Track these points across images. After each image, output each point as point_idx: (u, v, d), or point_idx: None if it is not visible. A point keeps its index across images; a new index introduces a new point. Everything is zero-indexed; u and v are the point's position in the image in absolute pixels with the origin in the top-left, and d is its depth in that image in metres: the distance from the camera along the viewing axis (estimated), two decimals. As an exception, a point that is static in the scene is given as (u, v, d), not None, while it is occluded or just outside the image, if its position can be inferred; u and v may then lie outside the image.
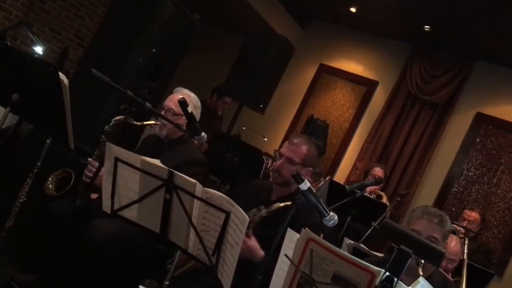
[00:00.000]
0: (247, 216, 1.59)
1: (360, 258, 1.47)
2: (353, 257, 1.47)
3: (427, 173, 5.26)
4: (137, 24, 3.56)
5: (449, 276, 3.12)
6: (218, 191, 1.66)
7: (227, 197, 1.66)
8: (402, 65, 5.68)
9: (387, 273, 1.39)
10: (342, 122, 5.95)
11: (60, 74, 1.92)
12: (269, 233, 1.79)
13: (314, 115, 5.69)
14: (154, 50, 3.48)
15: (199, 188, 1.67)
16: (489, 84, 5.16)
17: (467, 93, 5.27)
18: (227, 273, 1.66)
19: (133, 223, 1.82)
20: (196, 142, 2.71)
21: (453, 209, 4.99)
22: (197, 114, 2.71)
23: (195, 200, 1.68)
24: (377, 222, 3.64)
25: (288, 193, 2.29)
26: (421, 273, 1.97)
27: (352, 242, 2.91)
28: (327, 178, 4.10)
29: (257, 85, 4.12)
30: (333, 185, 4.00)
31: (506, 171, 4.89)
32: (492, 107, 5.13)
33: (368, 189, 4.61)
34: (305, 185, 1.76)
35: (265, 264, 1.73)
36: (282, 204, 2.01)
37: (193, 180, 1.67)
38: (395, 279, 1.38)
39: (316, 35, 6.34)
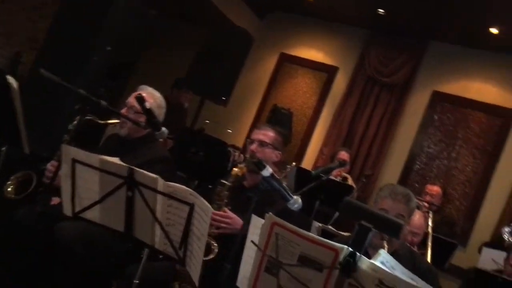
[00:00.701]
0: (210, 207, 1.60)
1: (329, 239, 1.51)
2: (317, 237, 1.50)
3: (390, 152, 5.40)
4: (89, 23, 3.49)
5: (415, 249, 3.24)
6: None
7: (190, 190, 1.67)
8: (360, 49, 5.79)
9: (350, 249, 1.43)
10: (306, 109, 6.02)
11: (9, 78, 1.87)
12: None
13: (278, 105, 5.75)
14: (109, 49, 3.42)
15: (161, 183, 1.67)
16: (443, 63, 5.34)
17: (423, 73, 5.43)
18: (195, 265, 1.67)
19: (97, 224, 1.80)
20: (160, 139, 2.69)
21: (416, 185, 5.16)
22: (161, 113, 2.69)
23: (158, 195, 1.68)
24: (344, 204, 3.72)
25: (261, 179, 2.32)
26: (386, 246, 2.04)
27: (320, 225, 2.97)
28: (293, 165, 4.15)
29: (218, 78, 4.13)
30: (299, 171, 4.06)
31: (464, 146, 5.09)
32: (447, 85, 5.31)
33: (334, 173, 4.72)
34: (267, 171, 1.79)
35: (234, 252, 1.75)
36: (237, 169, 2.14)
37: (154, 175, 1.67)
38: (358, 253, 1.43)
39: (275, 25, 6.37)
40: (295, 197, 1.84)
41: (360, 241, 1.45)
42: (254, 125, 6.14)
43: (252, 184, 2.40)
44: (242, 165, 2.16)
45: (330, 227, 3.00)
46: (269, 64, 6.28)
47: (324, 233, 2.91)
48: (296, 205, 1.83)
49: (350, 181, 4.62)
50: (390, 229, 1.50)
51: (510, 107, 4.94)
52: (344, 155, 4.74)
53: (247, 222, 1.71)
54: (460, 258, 4.36)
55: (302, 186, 3.57)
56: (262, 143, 2.41)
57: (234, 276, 1.71)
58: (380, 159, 5.40)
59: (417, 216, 3.33)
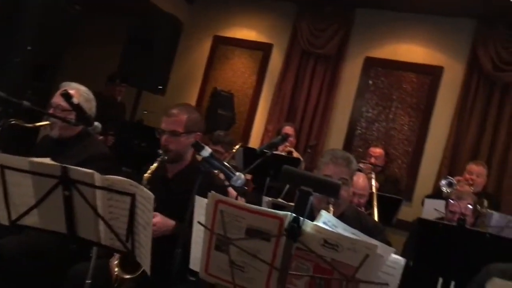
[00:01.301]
0: (151, 194, 1.59)
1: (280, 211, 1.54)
2: (261, 208, 1.54)
3: (332, 121, 5.55)
4: (6, 22, 3.28)
5: (363, 210, 3.39)
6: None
7: (129, 180, 1.64)
8: (291, 24, 5.84)
9: (294, 215, 1.47)
10: (246, 89, 6.04)
11: None
12: (179, 204, 1.81)
13: (218, 88, 5.72)
14: (29, 48, 3.24)
15: (97, 177, 1.63)
16: (372, 29, 5.50)
17: (354, 40, 5.58)
18: (144, 254, 1.66)
19: (37, 230, 1.74)
20: (97, 134, 2.61)
21: (360, 150, 5.35)
22: (91, 106, 2.59)
23: (97, 190, 1.64)
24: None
25: (185, 166, 2.29)
26: (332, 209, 2.12)
27: (270, 199, 3.03)
28: (239, 145, 4.18)
29: (151, 67, 4.04)
30: (246, 151, 4.10)
31: (399, 106, 5.32)
32: (378, 49, 5.49)
33: (280, 148, 4.80)
34: (206, 151, 1.78)
35: (182, 236, 1.75)
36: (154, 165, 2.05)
37: (90, 171, 1.62)
38: (301, 218, 1.47)
39: (205, 8, 6.29)
40: (237, 173, 1.86)
41: (302, 205, 1.50)
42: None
43: (176, 173, 2.31)
44: (159, 158, 2.10)
45: (280, 200, 3.06)
46: (204, 48, 6.23)
47: (275, 206, 2.96)
48: (239, 181, 1.85)
49: (295, 154, 4.72)
50: (329, 190, 1.56)
51: (437, 65, 5.20)
52: (288, 129, 4.82)
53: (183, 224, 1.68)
54: (406, 213, 4.60)
55: (251, 165, 3.62)
56: (173, 133, 2.22)
57: (186, 259, 1.72)
58: (323, 128, 5.54)
59: (361, 179, 3.47)
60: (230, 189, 2.71)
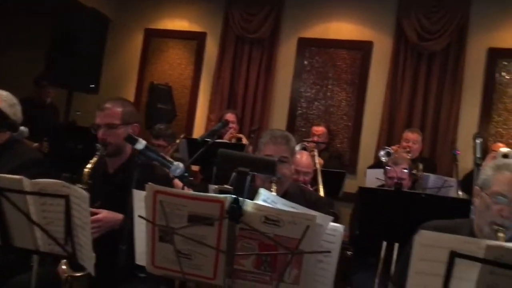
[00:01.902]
0: (86, 193, 1.54)
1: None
2: (200, 193, 1.53)
3: (273, 104, 5.62)
4: None
5: (309, 187, 3.47)
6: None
7: (61, 182, 1.58)
8: (223, 11, 5.81)
9: (233, 196, 1.49)
10: (184, 80, 5.96)
11: None
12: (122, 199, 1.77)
13: (154, 82, 5.61)
14: None
15: (26, 183, 1.56)
16: (303, 10, 5.58)
17: (286, 22, 5.64)
18: (87, 255, 1.61)
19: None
20: (33, 143, 2.48)
21: (303, 129, 5.46)
22: (16, 111, 2.45)
23: (27, 196, 1.57)
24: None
25: (125, 160, 2.24)
26: (275, 187, 2.15)
27: (216, 186, 3.02)
28: (181, 137, 4.13)
29: (80, 66, 3.88)
30: (189, 142, 4.06)
31: (335, 83, 5.46)
32: (310, 30, 5.59)
33: (227, 136, 4.81)
34: (141, 144, 1.75)
35: (126, 231, 1.71)
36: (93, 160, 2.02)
37: (17, 176, 1.55)
38: (241, 198, 1.49)
39: (133, 1, 6.11)
40: (175, 163, 1.84)
41: (241, 186, 1.52)
42: (136, 106, 5.95)
43: (117, 168, 2.26)
44: (98, 153, 2.04)
45: (226, 186, 3.06)
46: (136, 42, 6.06)
47: (222, 193, 2.96)
48: (178, 170, 1.83)
49: (244, 140, 4.75)
50: (265, 168, 1.58)
51: (366, 40, 5.37)
52: (229, 116, 4.82)
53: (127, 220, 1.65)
54: (352, 185, 4.75)
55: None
56: (110, 126, 2.16)
57: (131, 255, 1.69)
58: (265, 112, 5.60)
59: (304, 157, 3.54)
60: (177, 181, 2.70)
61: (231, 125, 4.84)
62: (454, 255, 1.12)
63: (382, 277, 2.83)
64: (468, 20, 4.97)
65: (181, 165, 1.85)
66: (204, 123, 5.84)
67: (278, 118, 5.60)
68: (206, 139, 3.30)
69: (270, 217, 1.49)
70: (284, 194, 2.27)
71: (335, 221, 3.66)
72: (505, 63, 4.91)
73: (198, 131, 5.81)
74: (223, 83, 5.74)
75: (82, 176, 1.99)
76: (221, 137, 4.87)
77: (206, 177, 4.44)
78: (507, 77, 4.90)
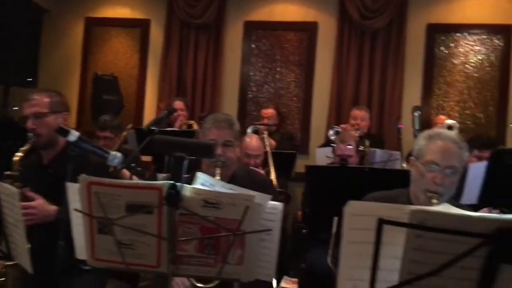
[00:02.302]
0: (15, 189, 1.47)
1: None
2: (136, 181, 1.51)
3: (223, 89, 5.58)
4: None
5: (260, 169, 3.48)
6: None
7: (-12, 180, 1.50)
8: (166, -4, 5.67)
9: (170, 182, 1.46)
10: (130, 69, 5.81)
11: None
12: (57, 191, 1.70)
13: (98, 72, 5.43)
14: None
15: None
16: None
17: (231, 6, 5.58)
18: (22, 253, 1.55)
19: None
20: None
21: (254, 113, 5.47)
22: None
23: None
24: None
25: (60, 151, 2.17)
26: (219, 171, 2.14)
27: (164, 174, 2.98)
28: (129, 127, 4.03)
29: (15, 59, 3.68)
30: (137, 132, 3.97)
31: (284, 65, 5.49)
32: (255, 12, 5.56)
33: (177, 124, 4.75)
34: (73, 135, 1.69)
35: (63, 226, 1.66)
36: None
37: None
38: (178, 184, 1.47)
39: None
40: (112, 152, 1.79)
41: (178, 171, 1.50)
42: (82, 99, 5.76)
43: (51, 159, 2.19)
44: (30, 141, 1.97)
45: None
46: (76, 32, 5.82)
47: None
48: (116, 160, 1.78)
49: (195, 126, 4.69)
50: (202, 152, 1.57)
51: (311, 21, 5.41)
52: (177, 104, 4.75)
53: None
54: (304, 165, 4.84)
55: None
56: (37, 115, 2.11)
57: (70, 250, 1.64)
58: (216, 98, 5.56)
59: (253, 140, 3.55)
60: (125, 171, 2.63)
61: (180, 112, 4.79)
62: (381, 222, 1.15)
63: (334, 252, 2.91)
64: (407, -3, 5.11)
65: (118, 155, 1.80)
66: (154, 112, 5.73)
67: (229, 103, 5.58)
68: (152, 128, 3.23)
69: (209, 200, 1.49)
70: (231, 178, 2.27)
71: (287, 201, 3.72)
72: (443, 38, 5.09)
73: (148, 120, 5.65)
74: (170, 70, 5.63)
75: (13, 164, 1.91)
76: (171, 125, 4.82)
77: (159, 167, 4.36)
78: (445, 51, 5.09)
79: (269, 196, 1.51)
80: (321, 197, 2.75)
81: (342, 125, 4.68)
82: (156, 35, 5.75)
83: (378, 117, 5.15)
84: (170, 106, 4.91)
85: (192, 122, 4.70)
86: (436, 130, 1.91)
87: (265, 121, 4.91)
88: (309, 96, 5.43)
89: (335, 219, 2.92)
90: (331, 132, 4.47)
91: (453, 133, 1.87)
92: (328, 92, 5.33)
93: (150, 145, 3.35)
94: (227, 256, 1.54)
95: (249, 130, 4.63)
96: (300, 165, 4.85)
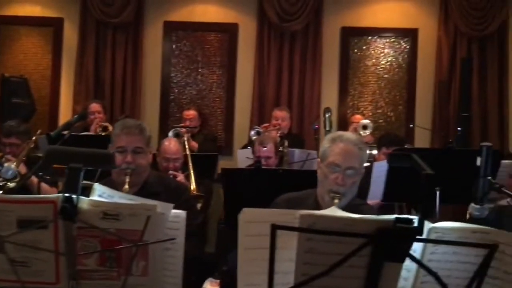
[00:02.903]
0: None
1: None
2: (27, 196, 1.42)
3: (144, 91, 5.45)
4: None
5: (180, 173, 3.44)
6: None
7: None
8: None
9: (65, 195, 1.40)
10: (43, 70, 5.49)
11: None
12: None
13: (6, 74, 5.08)
14: None
15: None
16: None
17: (150, 5, 5.45)
18: None
19: None
20: None
21: (177, 114, 5.39)
22: None
23: None
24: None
25: None
26: (128, 180, 2.08)
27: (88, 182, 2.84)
28: (38, 133, 3.80)
29: None
30: (49, 138, 3.75)
31: (205, 66, 5.47)
32: (175, 12, 5.48)
33: (93, 127, 4.56)
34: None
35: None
36: None
37: None
38: (74, 196, 1.41)
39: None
40: (5, 164, 1.67)
41: (74, 183, 1.43)
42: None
43: None
44: None
45: (87, 182, 2.90)
46: (-21, 31, 5.40)
47: (84, 189, 2.81)
48: (10, 172, 1.67)
49: (111, 129, 4.53)
50: (101, 162, 1.52)
51: (232, 22, 5.44)
52: (94, 107, 4.60)
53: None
54: (229, 166, 4.86)
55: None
56: None
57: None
58: (136, 99, 5.42)
59: (172, 143, 3.50)
60: (33, 179, 2.48)
61: (97, 115, 4.62)
62: (275, 228, 1.18)
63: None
64: (322, 1, 5.30)
65: (12, 166, 1.69)
66: (69, 116, 5.45)
67: (150, 105, 5.47)
68: (62, 133, 3.07)
69: (109, 212, 1.44)
70: (143, 185, 2.22)
71: (206, 205, 3.69)
72: (356, 40, 5.36)
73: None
74: (87, 71, 5.40)
75: None
76: (88, 129, 4.63)
77: (86, 172, 4.15)
78: (358, 53, 5.36)
79: (171, 205, 1.49)
80: (238, 199, 2.77)
81: (264, 125, 4.76)
82: (70, 35, 5.49)
83: (298, 117, 5.30)
84: (87, 108, 4.73)
85: (106, 124, 4.53)
86: (338, 132, 2.00)
87: (187, 123, 4.87)
88: (231, 97, 5.46)
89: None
90: (252, 132, 4.53)
91: (354, 136, 1.97)
92: (250, 93, 5.39)
93: (46, 156, 3.21)
94: (130, 268, 1.51)
95: (170, 133, 4.56)
96: (225, 166, 4.88)
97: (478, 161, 1.45)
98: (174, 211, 1.51)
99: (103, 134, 4.32)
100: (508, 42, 5.21)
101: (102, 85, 5.41)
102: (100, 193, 1.50)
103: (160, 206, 1.47)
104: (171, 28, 5.46)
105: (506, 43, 5.21)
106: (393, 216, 1.13)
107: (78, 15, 5.42)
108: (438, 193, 2.51)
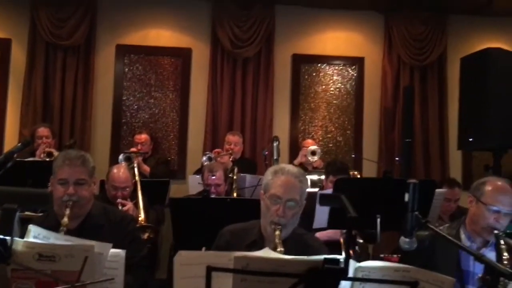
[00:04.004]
0: None
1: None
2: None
3: (94, 115, 5.35)
4: None
5: (128, 201, 3.38)
6: None
7: None
8: (29, 14, 5.29)
9: (-1, 237, 1.37)
10: (-14, 92, 5.29)
11: None
12: None
13: None
14: None
15: None
16: (119, 15, 5.38)
17: (102, 28, 5.39)
18: None
19: None
20: None
21: (129, 138, 5.31)
22: None
23: None
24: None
25: None
26: (68, 213, 2.04)
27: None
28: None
29: None
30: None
31: (159, 90, 5.45)
32: (128, 36, 5.44)
33: (39, 152, 4.44)
34: None
35: None
36: None
37: None
38: (8, 238, 1.38)
39: None
40: None
41: (8, 225, 1.41)
42: None
43: None
44: None
45: (28, 213, 2.81)
46: None
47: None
48: None
49: (56, 155, 4.41)
50: (36, 201, 1.50)
51: (185, 47, 5.48)
52: (42, 131, 4.51)
53: None
54: (182, 190, 4.84)
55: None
56: None
57: None
58: (86, 123, 5.30)
59: (121, 171, 3.45)
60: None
61: (44, 139, 4.51)
62: (210, 269, 1.21)
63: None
64: (274, 29, 5.45)
65: None
66: (16, 140, 5.26)
67: (101, 129, 5.37)
68: (6, 160, 2.97)
69: (44, 254, 1.43)
70: (86, 217, 2.19)
71: (155, 235, 3.63)
72: (307, 67, 5.53)
73: (9, 146, 5.21)
74: (35, 94, 5.25)
75: None
76: (34, 154, 4.49)
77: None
78: (309, 80, 5.53)
79: (110, 245, 1.49)
80: (187, 227, 2.78)
81: (215, 150, 4.79)
82: (18, 56, 5.33)
83: (251, 140, 5.37)
84: (34, 133, 4.61)
85: (52, 150, 4.42)
86: (281, 165, 2.06)
87: (139, 147, 4.82)
88: (185, 121, 5.46)
89: (203, 248, 2.98)
90: (204, 158, 4.55)
91: (295, 169, 2.04)
92: (203, 117, 5.42)
93: (24, 178, 3.09)
94: (67, 309, 1.48)
95: (120, 157, 4.51)
96: (177, 190, 4.86)
97: (406, 197, 1.54)
98: (113, 250, 1.51)
99: (47, 160, 4.20)
100: (447, 71, 5.54)
101: (51, 108, 5.27)
102: (36, 234, 1.47)
103: (98, 246, 1.47)
104: (123, 51, 5.43)
105: (445, 72, 5.54)
106: (322, 257, 1.19)
107: (27, 36, 5.29)
108: (378, 220, 2.63)
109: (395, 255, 3.36)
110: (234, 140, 4.88)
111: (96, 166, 2.25)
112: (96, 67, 5.37)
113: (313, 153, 4.68)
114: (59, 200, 2.08)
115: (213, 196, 3.46)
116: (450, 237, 1.54)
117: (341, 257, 1.18)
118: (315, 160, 4.61)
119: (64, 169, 2.12)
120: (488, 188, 2.16)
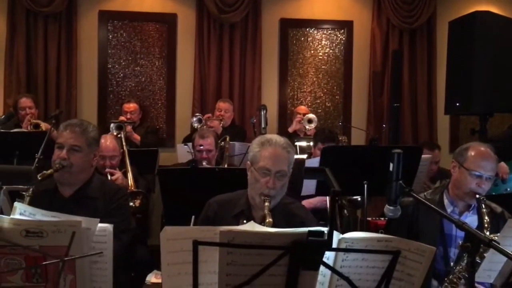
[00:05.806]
0: None
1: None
2: None
3: (79, 83, 5.26)
4: None
5: (117, 170, 3.39)
6: None
7: None
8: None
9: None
10: (-32, 62, 5.15)
11: None
12: None
13: None
14: None
15: None
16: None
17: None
18: None
19: None
20: None
21: (116, 107, 5.26)
22: None
23: None
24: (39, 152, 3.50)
25: None
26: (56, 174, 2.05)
27: (5, 187, 2.75)
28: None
29: None
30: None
31: (144, 57, 5.35)
32: (110, 1, 5.30)
33: (25, 124, 4.38)
34: None
35: None
36: None
37: None
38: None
39: None
40: None
41: (-7, 202, 1.40)
42: None
43: None
44: None
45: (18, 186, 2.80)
46: None
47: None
48: None
49: (43, 126, 4.36)
50: (21, 179, 1.49)
51: (170, 12, 5.34)
52: (24, 102, 4.44)
53: None
54: (171, 158, 4.86)
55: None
56: None
57: None
58: (72, 92, 5.22)
59: (108, 141, 3.43)
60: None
61: (28, 110, 4.44)
62: (196, 244, 1.23)
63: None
64: (261, -7, 5.32)
65: None
66: (1, 110, 5.18)
67: (87, 98, 5.29)
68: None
69: (31, 230, 1.43)
70: (82, 186, 2.19)
71: (146, 201, 3.64)
72: (295, 32, 5.44)
73: (-5, 119, 5.14)
74: (18, 63, 5.13)
75: None
76: (19, 125, 4.44)
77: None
78: (297, 45, 5.45)
79: (97, 220, 1.50)
80: (175, 197, 2.79)
81: (207, 115, 4.76)
82: (-1, 25, 5.17)
83: (240, 108, 5.34)
84: (16, 103, 4.54)
85: (38, 121, 4.36)
86: (267, 136, 2.05)
87: (128, 116, 4.78)
88: (172, 89, 5.40)
89: (193, 217, 3.01)
90: (193, 119, 4.55)
91: (282, 139, 2.03)
92: (191, 84, 5.35)
93: (12, 149, 3.05)
94: (58, 282, 1.51)
95: (112, 125, 4.45)
96: (167, 158, 4.86)
97: (391, 166, 1.56)
98: (101, 224, 1.52)
99: (34, 131, 4.15)
100: (436, 34, 5.49)
101: (35, 77, 5.16)
102: (21, 211, 1.48)
103: (85, 221, 1.47)
104: (106, 17, 5.28)
105: (434, 35, 5.48)
106: (306, 229, 1.21)
107: (6, 4, 5.11)
108: (366, 186, 2.67)
109: (382, 218, 3.45)
110: (224, 107, 4.86)
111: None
112: (79, 34, 5.23)
113: (310, 121, 4.69)
114: (52, 163, 2.09)
115: (204, 162, 3.48)
116: (432, 206, 1.57)
117: (325, 229, 1.20)
118: (311, 128, 4.63)
119: (63, 134, 2.17)
120: (471, 153, 2.19)
